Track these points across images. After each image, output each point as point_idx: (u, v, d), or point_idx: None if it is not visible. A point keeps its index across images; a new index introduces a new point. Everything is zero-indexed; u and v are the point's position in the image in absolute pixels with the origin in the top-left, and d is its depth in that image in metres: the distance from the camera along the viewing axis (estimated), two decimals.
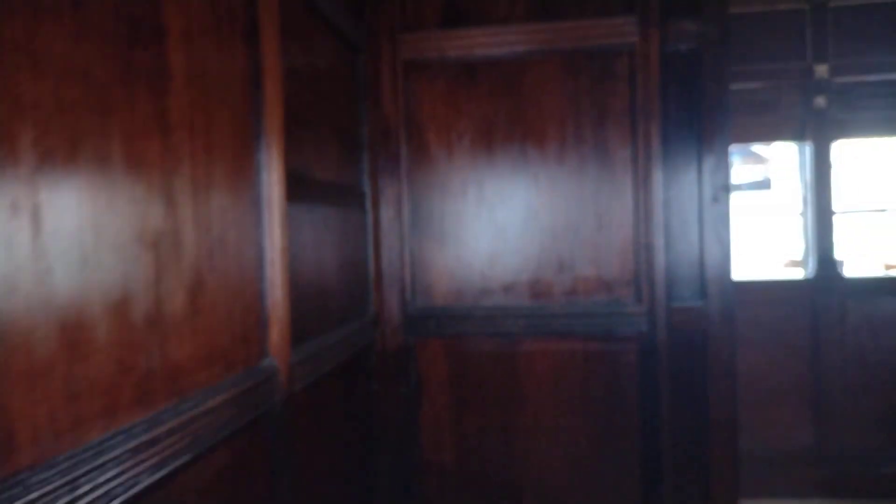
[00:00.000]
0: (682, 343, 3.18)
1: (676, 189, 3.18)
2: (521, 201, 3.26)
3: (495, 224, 3.27)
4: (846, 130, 4.36)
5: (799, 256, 4.50)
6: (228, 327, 1.63)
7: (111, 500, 1.14)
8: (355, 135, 3.08)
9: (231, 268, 1.66)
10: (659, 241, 3.12)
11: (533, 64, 3.22)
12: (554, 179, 3.23)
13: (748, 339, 4.27)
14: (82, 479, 1.08)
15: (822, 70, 4.21)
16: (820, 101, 4.25)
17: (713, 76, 3.14)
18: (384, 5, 3.28)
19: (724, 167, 3.12)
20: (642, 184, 3.13)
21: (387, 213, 3.29)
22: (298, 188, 2.18)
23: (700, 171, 3.16)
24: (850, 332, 4.23)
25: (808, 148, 4.37)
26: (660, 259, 3.12)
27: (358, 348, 2.92)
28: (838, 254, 4.36)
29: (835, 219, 4.35)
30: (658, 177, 3.11)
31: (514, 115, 3.25)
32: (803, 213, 4.43)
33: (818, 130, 4.33)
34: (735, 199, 5.18)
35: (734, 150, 5.16)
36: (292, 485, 2.01)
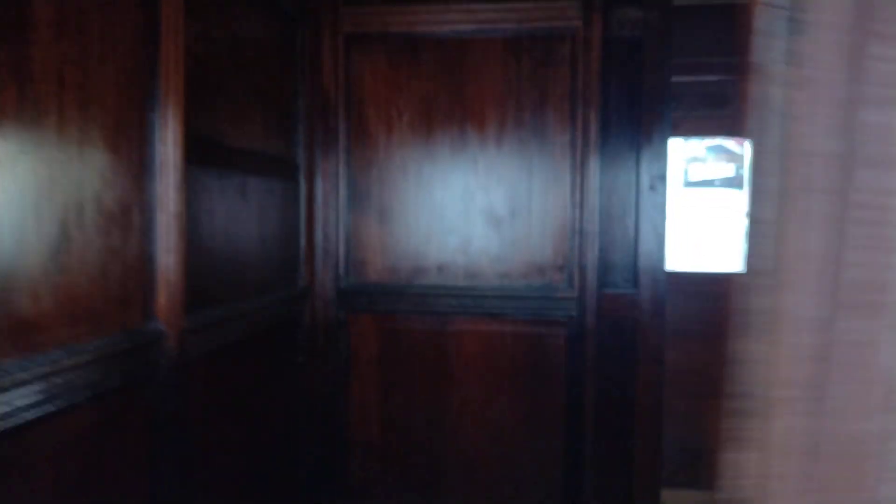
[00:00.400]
0: (611, 329, 3.20)
1: (614, 176, 3.17)
2: (458, 182, 3.24)
3: (432, 203, 3.26)
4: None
5: None
6: (101, 288, 1.61)
7: None
8: (290, 106, 3.04)
9: (109, 228, 1.63)
10: (593, 228, 3.12)
11: (476, 44, 3.19)
12: (492, 162, 3.21)
13: (699, 331, 4.23)
14: None
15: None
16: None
17: (654, 65, 3.13)
18: None
19: (662, 156, 3.12)
20: (579, 170, 3.13)
21: (322, 188, 3.26)
22: (207, 153, 2.15)
23: (638, 160, 3.15)
24: None
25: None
26: (593, 245, 3.12)
27: (280, 320, 2.91)
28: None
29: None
30: (595, 163, 3.11)
31: (455, 94, 3.22)
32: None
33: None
34: (708, 195, 5.16)
35: (708, 145, 5.10)
36: (184, 453, 1.99)
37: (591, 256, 3.12)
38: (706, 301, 4.14)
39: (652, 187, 3.11)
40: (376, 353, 3.30)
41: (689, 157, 5.30)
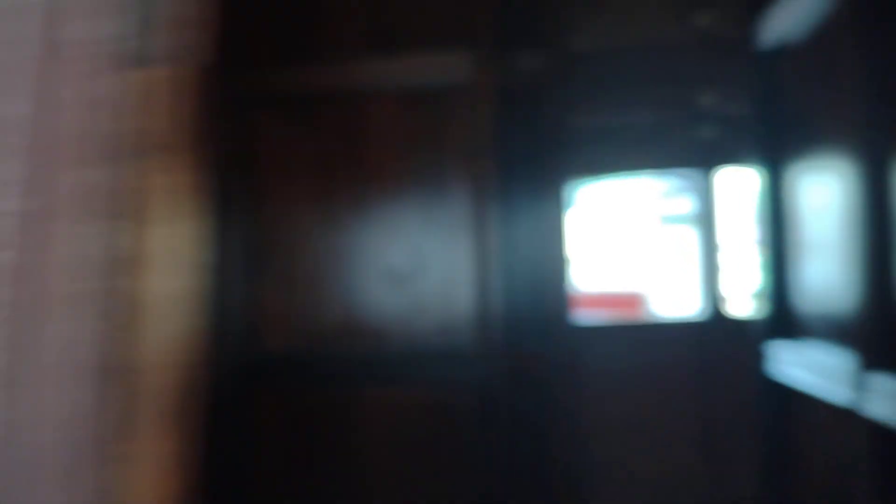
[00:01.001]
0: (524, 388, 3.11)
1: (519, 228, 3.14)
2: (360, 242, 3.15)
3: (334, 266, 3.15)
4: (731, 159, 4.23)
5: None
6: None
7: None
8: None
9: None
10: (495, 283, 3.02)
11: (371, 99, 3.17)
12: (393, 219, 3.13)
13: (643, 382, 3.93)
14: None
15: (707, 99, 4.07)
16: (706, 130, 4.12)
17: (553, 112, 3.17)
18: (219, 42, 3.15)
19: (563, 204, 3.14)
20: (481, 223, 3.05)
21: (216, 254, 3.15)
22: None
23: (542, 209, 3.15)
24: (740, 373, 3.87)
25: (697, 179, 4.26)
26: (496, 301, 3.02)
27: None
28: (728, 291, 4.15)
29: (722, 255, 4.16)
30: (494, 215, 3.05)
31: (352, 151, 3.16)
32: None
33: (705, 162, 4.18)
34: (668, 233, 4.12)
35: (673, 180, 4.39)
36: None
37: (497, 312, 3.01)
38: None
39: (554, 236, 3.16)
40: (279, 425, 3.15)
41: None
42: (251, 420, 3.16)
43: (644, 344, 4.04)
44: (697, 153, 4.11)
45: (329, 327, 3.14)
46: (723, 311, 3.96)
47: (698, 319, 4.13)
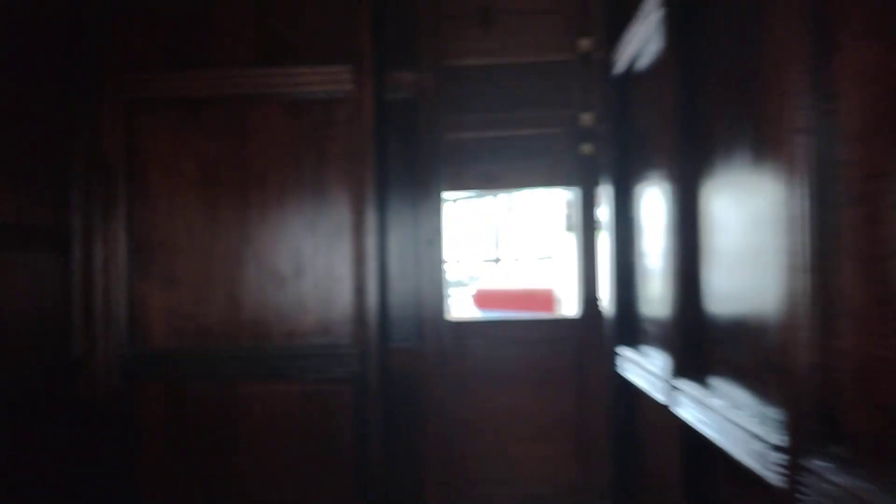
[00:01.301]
0: (398, 382, 3.26)
1: (396, 233, 3.30)
2: (242, 243, 3.27)
3: (217, 265, 3.26)
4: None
5: None
6: None
7: None
8: (61, 174, 3.04)
9: None
10: (371, 284, 3.20)
11: (257, 107, 3.28)
12: (275, 221, 3.26)
13: (521, 377, 4.03)
14: None
15: (587, 118, 4.13)
16: (586, 147, 4.17)
17: (428, 125, 3.33)
18: (107, 45, 3.27)
19: (437, 212, 3.30)
20: (359, 227, 3.23)
21: (102, 253, 3.22)
22: None
23: (416, 216, 3.31)
24: (601, 369, 4.01)
25: (577, 193, 4.26)
26: (372, 301, 3.19)
27: (44, 393, 2.86)
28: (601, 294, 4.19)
29: (598, 260, 4.19)
30: (372, 221, 3.21)
31: (237, 156, 3.27)
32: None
33: (585, 177, 4.20)
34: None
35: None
36: None
37: (371, 312, 3.19)
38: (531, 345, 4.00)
39: (429, 242, 3.30)
40: (163, 419, 3.24)
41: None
42: (135, 414, 3.23)
43: (516, 339, 4.28)
44: (577, 168, 4.22)
45: (212, 324, 3.24)
46: (593, 312, 4.08)
47: (570, 318, 4.38)
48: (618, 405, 3.18)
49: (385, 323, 3.25)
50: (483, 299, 7.62)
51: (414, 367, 3.25)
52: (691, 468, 2.01)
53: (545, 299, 7.40)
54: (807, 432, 1.21)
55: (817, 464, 1.17)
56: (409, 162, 3.35)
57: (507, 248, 11.91)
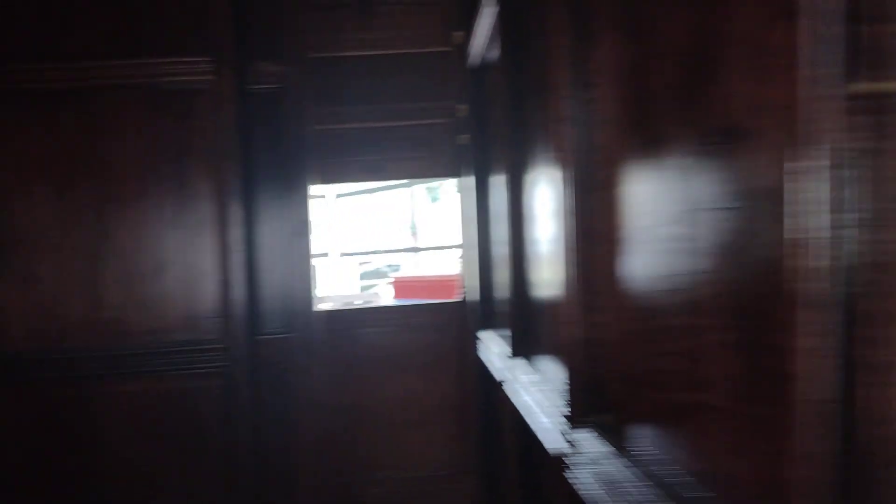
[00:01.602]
0: (269, 375, 3.25)
1: (265, 226, 3.29)
2: (103, 238, 3.16)
3: (77, 263, 3.15)
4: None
5: None
6: None
7: None
8: None
9: None
10: (237, 277, 3.17)
11: (115, 99, 3.19)
12: (136, 216, 3.18)
13: (411, 363, 4.20)
14: None
15: (463, 109, 4.04)
16: (462, 138, 4.09)
17: (295, 117, 3.31)
18: None
19: (304, 203, 3.31)
20: (223, 220, 3.18)
21: None
22: None
23: (283, 208, 3.30)
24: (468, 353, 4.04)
25: (458, 183, 4.33)
26: (238, 294, 3.17)
27: None
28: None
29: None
30: (237, 214, 3.18)
31: (96, 149, 3.17)
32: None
33: (465, 167, 4.06)
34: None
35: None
36: None
37: (238, 305, 3.16)
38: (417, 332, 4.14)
39: (296, 233, 3.31)
40: (22, 425, 3.12)
41: None
42: None
43: (407, 326, 4.38)
44: (456, 159, 4.29)
45: (73, 324, 3.14)
46: (465, 298, 4.20)
47: (452, 303, 4.50)
48: (480, 387, 3.26)
49: (255, 315, 3.23)
50: (401, 288, 7.72)
51: (285, 358, 3.24)
52: (522, 446, 2.10)
53: (453, 286, 7.58)
54: (580, 402, 1.30)
55: (585, 432, 1.26)
56: (277, 154, 3.32)
57: (424, 237, 12.11)
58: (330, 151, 4.04)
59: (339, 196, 10.46)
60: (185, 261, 3.17)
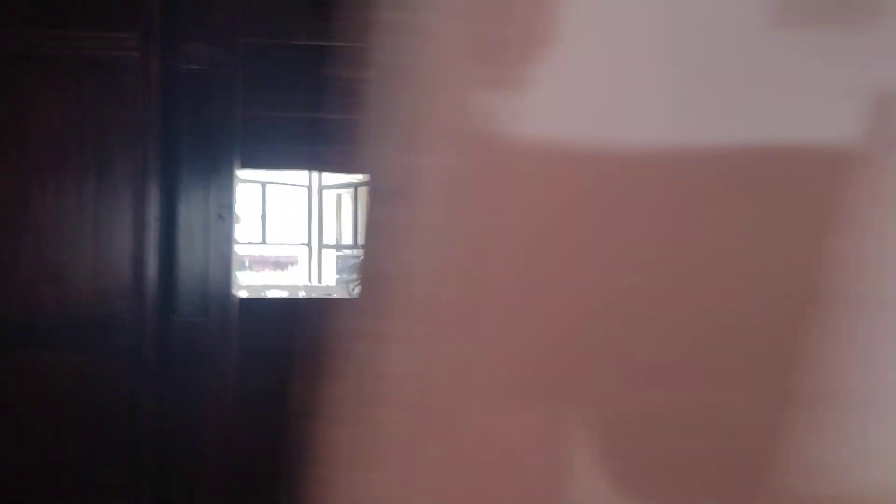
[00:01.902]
0: (181, 358, 3.21)
1: (186, 207, 3.26)
2: (21, 210, 3.10)
3: None
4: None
5: None
6: None
7: None
8: None
9: None
10: (151, 256, 3.14)
11: (37, 70, 3.14)
12: (55, 190, 3.13)
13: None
14: None
15: None
16: None
17: (221, 99, 3.28)
18: None
19: (229, 186, 3.27)
20: (140, 199, 3.15)
21: None
22: None
23: (207, 190, 3.27)
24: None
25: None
26: (151, 273, 3.13)
27: None
28: None
29: None
30: (154, 192, 3.14)
31: (16, 120, 3.12)
32: None
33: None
34: None
35: None
36: None
37: (152, 284, 3.13)
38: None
39: (220, 216, 3.28)
40: None
41: None
42: None
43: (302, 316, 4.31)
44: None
45: None
46: None
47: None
48: None
49: (170, 296, 3.20)
50: None
51: (198, 342, 3.21)
52: None
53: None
54: None
55: None
56: (202, 137, 3.29)
57: None
58: (265, 138, 3.97)
59: (324, 188, 10.37)
60: (101, 236, 3.13)
